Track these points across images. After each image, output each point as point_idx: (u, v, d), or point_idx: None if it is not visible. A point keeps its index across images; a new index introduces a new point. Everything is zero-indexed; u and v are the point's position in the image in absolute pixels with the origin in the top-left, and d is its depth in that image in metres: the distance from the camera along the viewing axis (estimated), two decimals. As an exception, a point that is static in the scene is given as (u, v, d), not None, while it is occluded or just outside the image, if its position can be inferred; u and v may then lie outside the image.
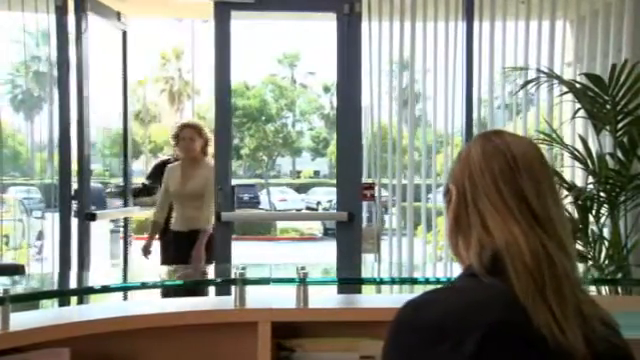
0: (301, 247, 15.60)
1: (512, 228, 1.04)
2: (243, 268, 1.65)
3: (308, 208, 22.39)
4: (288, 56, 26.99)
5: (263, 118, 25.17)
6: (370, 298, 1.95)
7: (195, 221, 4.46)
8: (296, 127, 26.64)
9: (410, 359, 0.99)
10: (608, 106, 3.45)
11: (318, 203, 21.88)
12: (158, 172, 4.92)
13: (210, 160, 4.47)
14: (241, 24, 4.40)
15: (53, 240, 4.06)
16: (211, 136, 4.43)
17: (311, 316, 1.63)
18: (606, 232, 3.63)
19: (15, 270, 3.66)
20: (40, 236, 5.43)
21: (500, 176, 1.09)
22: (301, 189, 25.44)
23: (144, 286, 1.65)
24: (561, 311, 0.99)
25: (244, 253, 4.84)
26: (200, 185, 4.45)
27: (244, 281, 1.62)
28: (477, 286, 1.03)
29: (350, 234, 4.16)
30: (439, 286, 1.17)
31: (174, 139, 4.62)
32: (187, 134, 4.51)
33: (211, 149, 4.46)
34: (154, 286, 1.73)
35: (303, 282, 1.63)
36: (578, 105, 3.58)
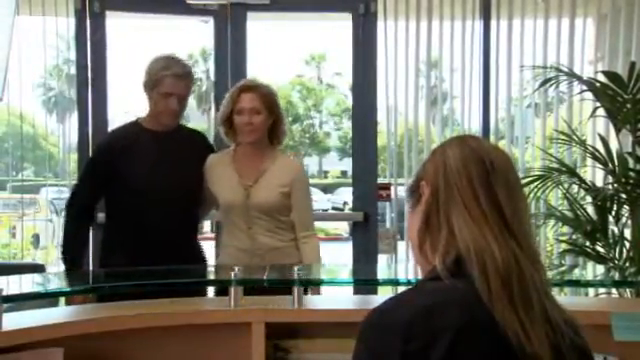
0: (326, 247, 15.62)
1: (486, 234, 1.05)
2: (239, 269, 1.66)
3: (334, 208, 22.35)
4: (315, 57, 27.02)
5: (290, 118, 25.28)
6: (375, 298, 1.94)
7: (277, 253, 2.66)
8: (323, 127, 26.67)
9: (378, 359, 1.00)
10: (628, 105, 3.39)
11: (345, 203, 21.84)
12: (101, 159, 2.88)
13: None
14: (269, 26, 4.42)
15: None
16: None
17: (305, 317, 1.63)
18: (628, 233, 3.57)
19: (34, 269, 3.74)
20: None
21: (477, 180, 1.09)
22: (328, 189, 25.43)
23: (135, 287, 1.66)
24: (528, 317, 1.00)
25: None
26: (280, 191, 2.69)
27: (239, 282, 1.63)
28: (441, 288, 1.04)
29: (366, 234, 4.15)
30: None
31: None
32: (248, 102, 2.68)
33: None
34: (147, 287, 1.74)
35: (297, 283, 1.63)
36: (598, 104, 3.52)
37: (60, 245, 2.93)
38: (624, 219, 3.46)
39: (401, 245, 4.26)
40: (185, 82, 2.76)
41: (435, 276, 1.07)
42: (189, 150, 2.82)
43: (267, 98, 2.69)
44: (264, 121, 2.67)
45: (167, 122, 2.78)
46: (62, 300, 2.44)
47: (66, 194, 5.28)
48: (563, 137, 3.68)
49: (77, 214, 2.84)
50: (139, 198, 2.71)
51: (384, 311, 1.05)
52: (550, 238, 4.24)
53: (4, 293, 1.46)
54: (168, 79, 2.71)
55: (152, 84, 2.73)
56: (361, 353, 1.03)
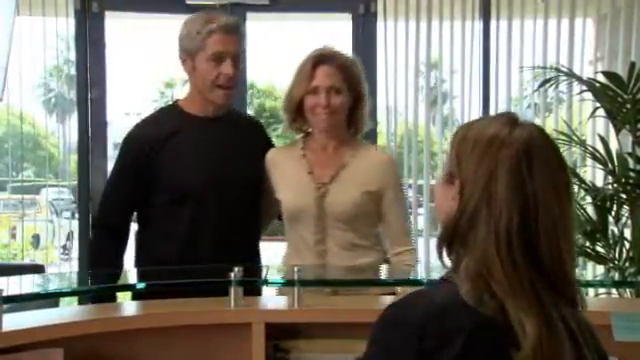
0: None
1: (516, 294, 1.01)
2: (239, 269, 1.66)
3: (335, 209, 22.41)
4: (315, 57, 27.09)
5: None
6: (375, 299, 1.93)
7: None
8: (323, 128, 26.69)
9: (392, 356, 1.01)
10: (628, 105, 3.39)
11: (345, 203, 21.86)
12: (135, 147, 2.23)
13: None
14: (269, 26, 4.37)
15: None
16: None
17: (305, 317, 1.63)
18: (628, 233, 3.57)
19: (35, 270, 3.74)
20: (69, 237, 5.54)
21: (518, 223, 1.02)
22: (328, 190, 25.46)
23: (136, 288, 1.67)
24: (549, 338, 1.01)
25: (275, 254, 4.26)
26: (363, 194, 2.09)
27: (239, 282, 1.63)
28: (456, 289, 1.04)
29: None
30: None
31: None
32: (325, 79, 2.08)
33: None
34: (147, 288, 1.75)
35: (297, 283, 1.63)
36: (598, 104, 3.52)
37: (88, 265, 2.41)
38: (624, 219, 3.46)
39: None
40: (237, 37, 2.15)
41: (448, 278, 1.08)
42: (246, 140, 2.25)
43: (349, 72, 2.09)
44: (344, 102, 2.08)
45: (219, 100, 2.15)
46: (62, 300, 2.45)
47: (66, 195, 5.31)
48: (563, 137, 3.68)
49: (110, 236, 2.21)
50: (185, 203, 2.15)
51: (400, 308, 1.06)
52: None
53: (4, 294, 1.46)
54: (216, 35, 2.09)
55: (194, 48, 2.10)
56: (375, 348, 1.04)
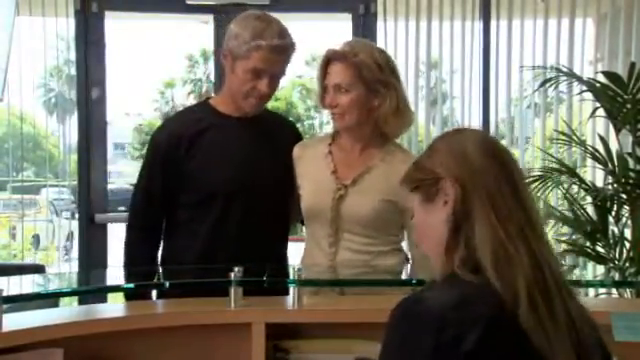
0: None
1: (517, 245, 1.05)
2: (239, 269, 1.66)
3: (335, 209, 22.39)
4: (315, 57, 27.03)
5: (291, 119, 25.31)
6: (375, 299, 1.92)
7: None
8: (324, 128, 26.66)
9: (408, 349, 1.02)
10: (628, 105, 3.39)
11: (345, 204, 21.82)
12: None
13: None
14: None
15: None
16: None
17: (305, 317, 1.64)
18: (628, 233, 3.57)
19: (35, 270, 3.74)
20: (69, 237, 5.56)
21: (504, 180, 1.09)
22: (328, 190, 25.44)
23: (136, 288, 1.67)
24: (553, 327, 1.02)
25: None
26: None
27: (239, 282, 1.63)
28: (466, 283, 1.06)
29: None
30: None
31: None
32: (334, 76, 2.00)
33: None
34: (147, 287, 1.75)
35: (297, 283, 1.63)
36: (598, 104, 3.53)
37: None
38: (624, 219, 3.46)
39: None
40: (284, 56, 2.07)
41: (453, 274, 1.10)
42: (277, 140, 2.18)
43: (363, 69, 1.92)
44: (354, 101, 1.94)
45: (249, 108, 2.11)
46: (62, 300, 2.45)
47: (66, 195, 5.31)
48: (563, 137, 3.68)
49: (145, 238, 2.18)
50: (213, 203, 2.10)
51: (414, 302, 1.07)
52: (550, 238, 4.23)
53: (4, 294, 1.46)
54: (262, 52, 2.01)
55: (238, 54, 2.03)
56: (390, 341, 1.05)
